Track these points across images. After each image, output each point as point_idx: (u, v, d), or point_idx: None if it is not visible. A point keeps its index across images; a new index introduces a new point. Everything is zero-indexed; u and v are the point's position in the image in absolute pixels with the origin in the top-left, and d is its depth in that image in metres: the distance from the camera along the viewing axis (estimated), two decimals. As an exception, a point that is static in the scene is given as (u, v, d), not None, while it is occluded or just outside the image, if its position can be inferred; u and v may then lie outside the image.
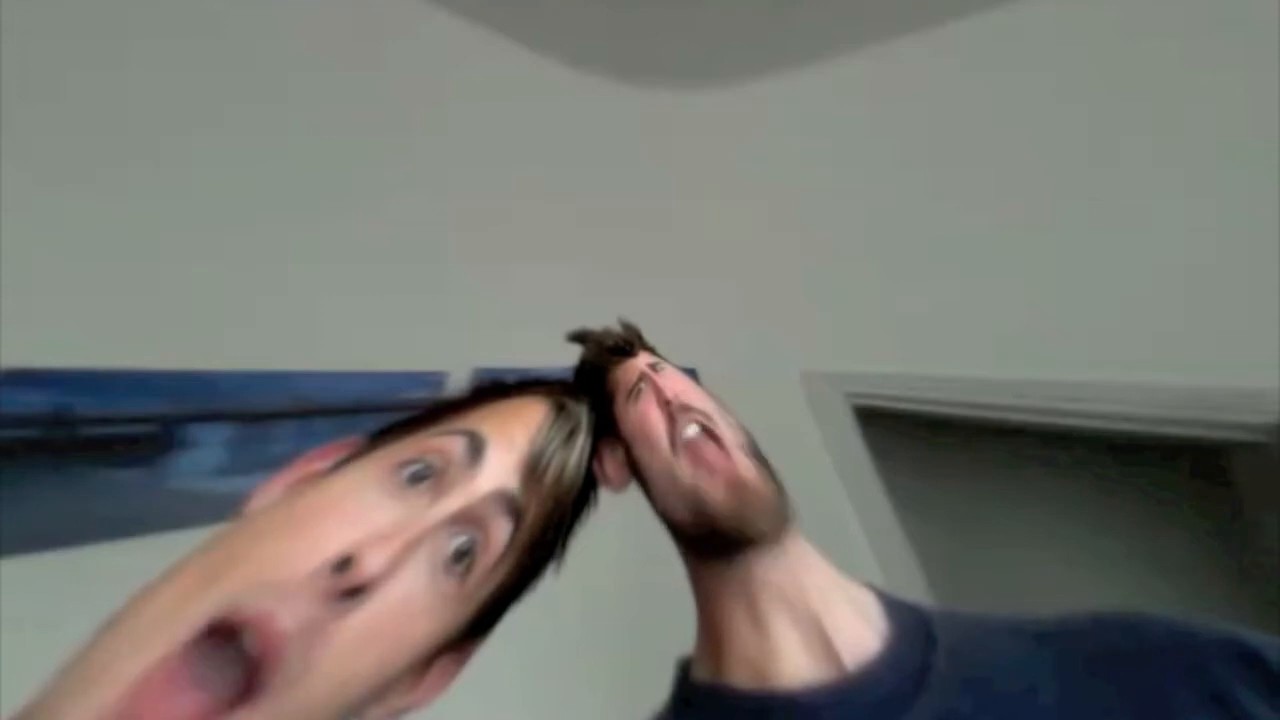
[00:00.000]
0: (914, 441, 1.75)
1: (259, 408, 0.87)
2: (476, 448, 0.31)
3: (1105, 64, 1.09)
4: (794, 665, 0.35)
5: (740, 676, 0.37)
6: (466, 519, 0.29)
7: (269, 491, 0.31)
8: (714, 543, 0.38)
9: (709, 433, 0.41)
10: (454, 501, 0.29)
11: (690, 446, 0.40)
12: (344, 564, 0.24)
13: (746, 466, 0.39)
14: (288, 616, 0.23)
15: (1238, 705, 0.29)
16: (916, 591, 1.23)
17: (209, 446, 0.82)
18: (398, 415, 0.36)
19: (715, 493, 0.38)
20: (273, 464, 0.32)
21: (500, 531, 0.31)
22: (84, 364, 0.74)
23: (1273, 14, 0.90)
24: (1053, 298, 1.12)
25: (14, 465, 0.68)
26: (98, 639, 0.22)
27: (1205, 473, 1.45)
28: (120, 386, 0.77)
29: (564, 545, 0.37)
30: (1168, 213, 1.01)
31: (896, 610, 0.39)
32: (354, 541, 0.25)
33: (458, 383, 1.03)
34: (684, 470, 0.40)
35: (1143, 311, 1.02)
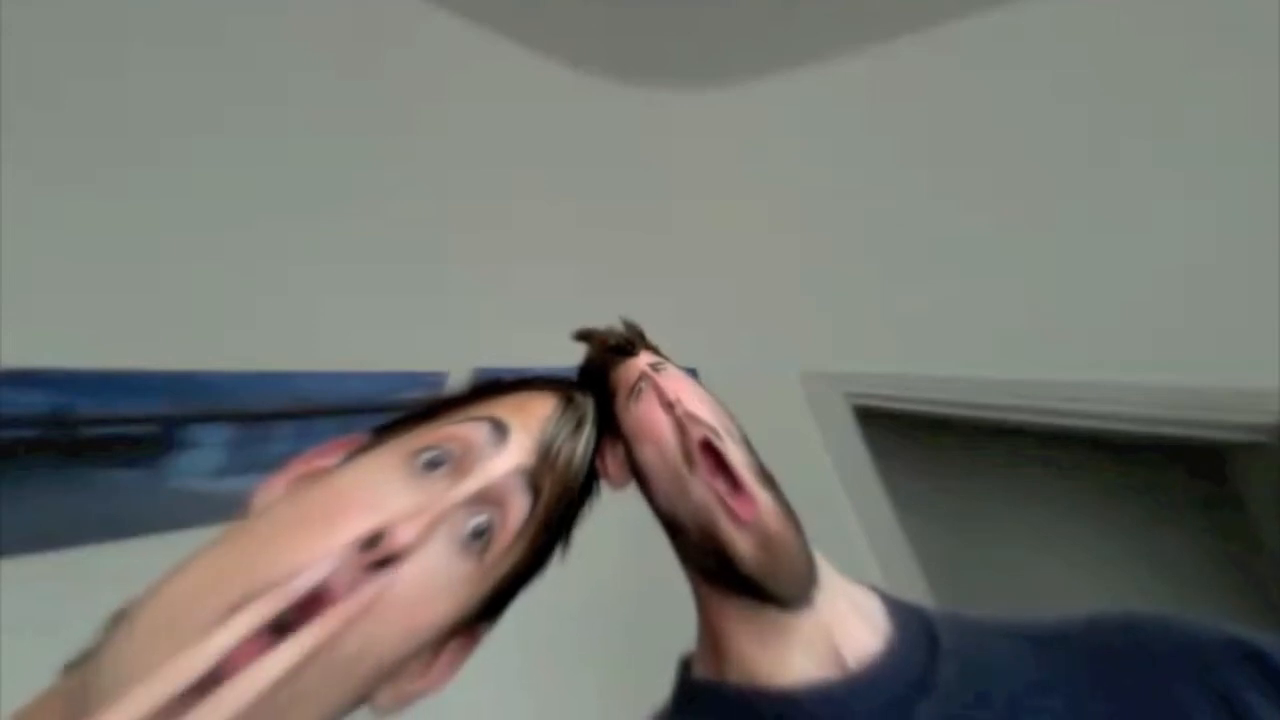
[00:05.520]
0: (914, 441, 1.75)
1: (259, 408, 0.87)
2: (501, 432, 0.32)
3: (1105, 64, 1.09)
4: (796, 666, 0.35)
5: (741, 676, 0.37)
6: (487, 498, 0.30)
7: (270, 490, 0.31)
8: (726, 576, 0.37)
9: (715, 451, 0.39)
10: (477, 480, 0.30)
11: (708, 475, 0.39)
12: (373, 540, 0.25)
13: (771, 512, 0.37)
14: (328, 586, 0.23)
15: (1244, 707, 0.29)
16: (916, 592, 1.23)
17: (209, 447, 0.82)
18: (398, 414, 0.36)
19: (742, 545, 0.36)
20: (273, 464, 0.32)
21: (519, 509, 0.31)
22: (84, 364, 0.74)
23: (1273, 14, 0.90)
24: (1053, 298, 1.12)
25: (14, 465, 0.68)
26: (112, 637, 0.22)
27: (1205, 473, 1.46)
28: (120, 386, 0.76)
29: (569, 533, 0.38)
30: (1168, 213, 1.01)
31: (899, 612, 0.39)
32: (379, 523, 0.26)
33: (458, 383, 1.03)
34: (698, 490, 0.38)
35: (1143, 311, 1.02)
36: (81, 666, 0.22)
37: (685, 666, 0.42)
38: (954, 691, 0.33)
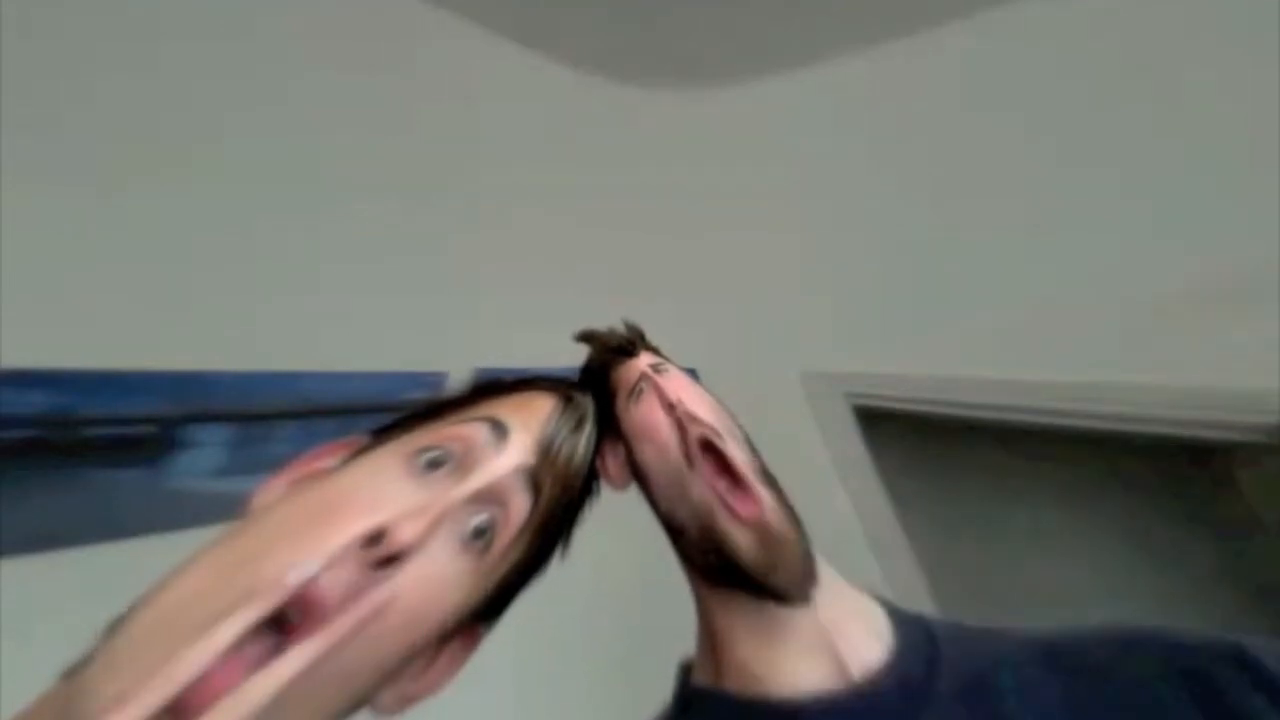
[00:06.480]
0: (914, 441, 1.75)
1: (259, 408, 0.87)
2: (501, 432, 0.32)
3: (1105, 63, 1.09)
4: (797, 674, 0.35)
5: (741, 682, 0.36)
6: (489, 497, 0.30)
7: (270, 490, 0.31)
8: (727, 575, 0.37)
9: (718, 450, 0.39)
10: (479, 479, 0.30)
11: (709, 475, 0.39)
12: (375, 538, 0.25)
13: (773, 511, 0.37)
14: (329, 583, 0.23)
15: (1229, 709, 0.29)
16: (916, 591, 1.23)
17: (209, 447, 0.82)
18: (398, 414, 0.36)
19: (742, 540, 0.36)
20: (273, 464, 0.32)
21: (520, 507, 0.31)
22: (84, 364, 0.74)
23: (1273, 13, 0.90)
24: (1053, 298, 1.12)
25: (14, 465, 0.68)
26: (111, 638, 0.22)
27: (1205, 473, 1.46)
28: (120, 386, 0.76)
29: (569, 532, 0.38)
30: (1168, 212, 1.01)
31: (902, 622, 0.39)
32: (381, 521, 0.25)
33: (458, 383, 1.03)
34: (698, 488, 0.39)
35: (1143, 311, 1.02)
36: (80, 670, 0.22)
37: (684, 672, 0.42)
38: (954, 700, 0.33)
